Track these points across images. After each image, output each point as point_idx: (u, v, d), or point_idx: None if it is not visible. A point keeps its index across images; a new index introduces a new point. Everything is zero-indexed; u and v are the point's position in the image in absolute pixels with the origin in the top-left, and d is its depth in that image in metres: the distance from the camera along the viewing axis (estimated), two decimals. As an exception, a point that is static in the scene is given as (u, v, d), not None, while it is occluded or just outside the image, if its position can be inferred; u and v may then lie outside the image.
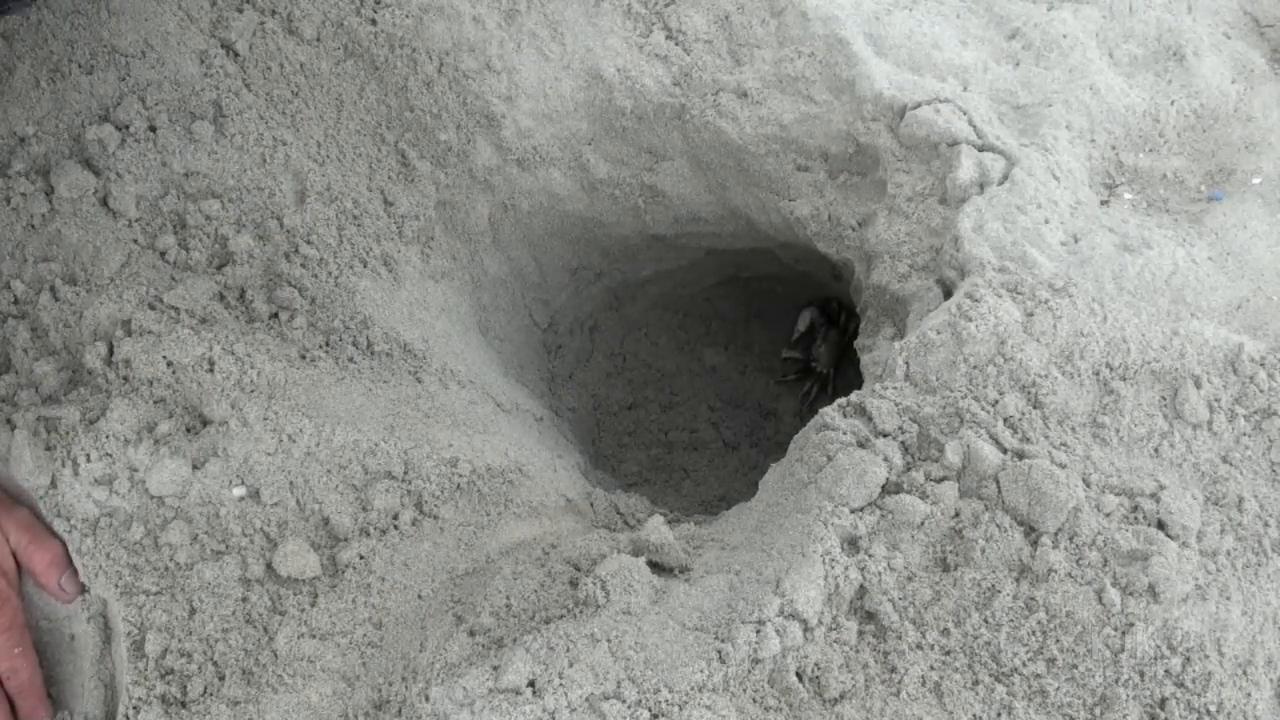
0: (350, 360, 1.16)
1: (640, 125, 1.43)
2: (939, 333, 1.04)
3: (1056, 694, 0.87)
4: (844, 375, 1.92)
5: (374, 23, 1.32)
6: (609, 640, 0.89)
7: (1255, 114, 1.33)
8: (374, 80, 1.33)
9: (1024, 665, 0.88)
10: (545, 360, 1.79)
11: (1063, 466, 0.94)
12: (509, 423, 1.30)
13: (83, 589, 1.01)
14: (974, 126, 1.27)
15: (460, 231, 1.44)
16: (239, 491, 1.02)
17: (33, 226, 1.13)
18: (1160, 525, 0.93)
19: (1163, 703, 0.86)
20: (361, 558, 1.01)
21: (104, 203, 1.16)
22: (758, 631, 0.88)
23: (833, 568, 0.92)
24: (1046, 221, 1.19)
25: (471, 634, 0.95)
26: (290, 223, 1.22)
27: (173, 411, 1.05)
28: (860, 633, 0.91)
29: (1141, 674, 0.87)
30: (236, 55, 1.26)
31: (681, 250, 1.74)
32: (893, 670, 0.89)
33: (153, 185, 1.18)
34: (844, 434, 1.00)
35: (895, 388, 1.04)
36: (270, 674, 0.96)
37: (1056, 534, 0.92)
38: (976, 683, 0.88)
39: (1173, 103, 1.35)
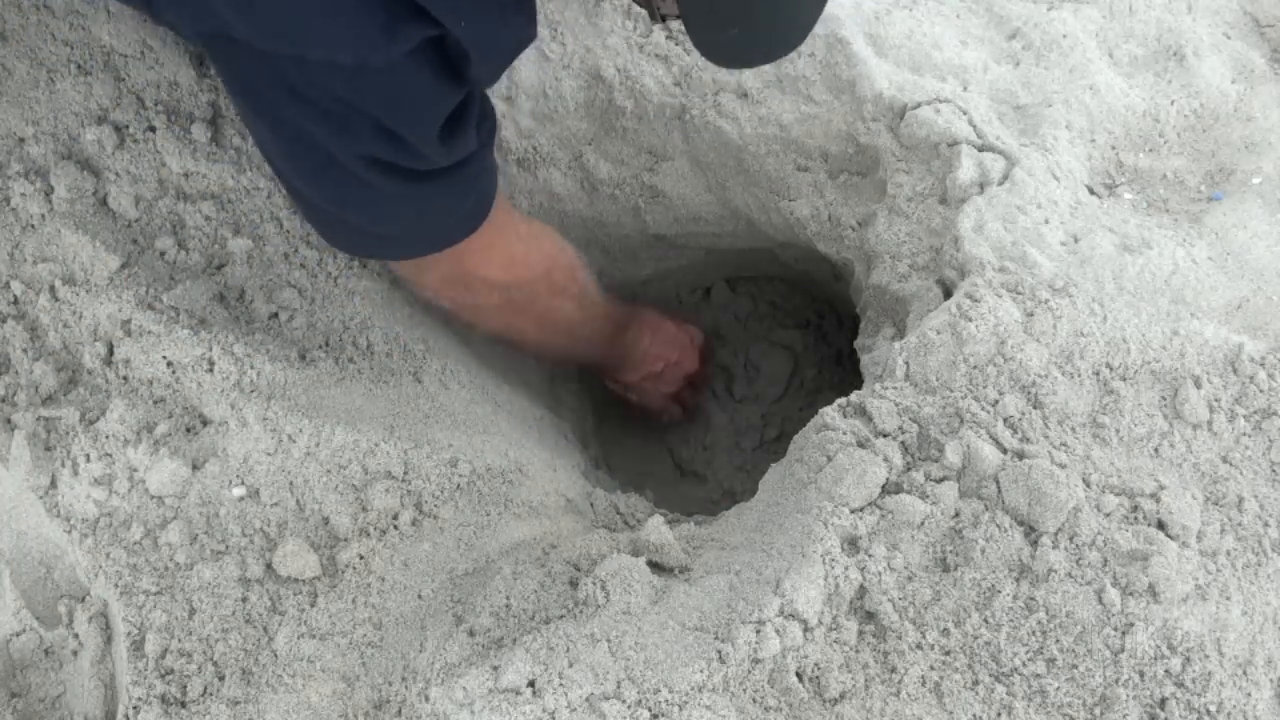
0: (350, 360, 1.16)
1: (640, 125, 1.42)
2: (939, 333, 1.04)
3: (1056, 694, 0.87)
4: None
5: (373, 23, 1.31)
6: (609, 640, 0.89)
7: (1255, 114, 1.33)
8: (373, 80, 1.32)
9: (1024, 665, 0.88)
10: (545, 360, 1.78)
11: (1063, 466, 0.94)
12: (509, 423, 1.29)
13: None
14: (974, 126, 1.27)
15: (460, 232, 1.44)
16: (238, 491, 1.02)
17: (31, 227, 1.13)
18: (1160, 525, 0.92)
19: (1163, 703, 0.86)
20: (361, 558, 1.01)
21: (103, 203, 1.16)
22: (758, 631, 0.88)
23: (833, 568, 0.92)
24: (1046, 221, 1.19)
25: (471, 634, 0.95)
26: (290, 223, 1.22)
27: (172, 411, 1.05)
28: (860, 633, 0.91)
29: (1141, 674, 0.87)
30: (236, 55, 1.26)
31: (681, 250, 1.74)
32: (893, 670, 0.89)
33: (151, 186, 1.18)
34: (844, 434, 0.99)
35: (895, 388, 1.03)
36: (270, 674, 0.96)
37: (1056, 534, 0.92)
38: (976, 683, 0.88)
39: (1173, 103, 1.35)
